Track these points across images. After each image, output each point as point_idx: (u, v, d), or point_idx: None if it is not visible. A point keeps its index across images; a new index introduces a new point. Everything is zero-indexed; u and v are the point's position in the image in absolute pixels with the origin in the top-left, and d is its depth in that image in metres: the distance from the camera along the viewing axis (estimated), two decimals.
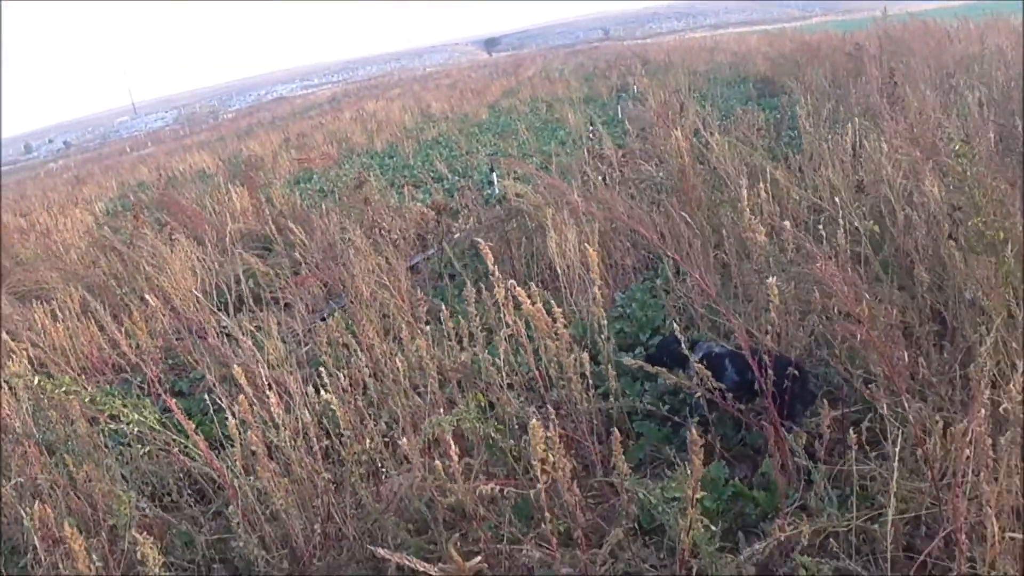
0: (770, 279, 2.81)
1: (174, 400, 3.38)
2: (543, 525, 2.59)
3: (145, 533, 3.56)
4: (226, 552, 3.40)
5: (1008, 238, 2.93)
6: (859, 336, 2.74)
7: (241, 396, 3.07)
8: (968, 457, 2.14)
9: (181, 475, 3.90)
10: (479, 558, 2.37)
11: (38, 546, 2.96)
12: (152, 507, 3.58)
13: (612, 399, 3.68)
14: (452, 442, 2.52)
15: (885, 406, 2.54)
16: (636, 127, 12.17)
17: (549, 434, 2.34)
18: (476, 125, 19.94)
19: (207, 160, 23.16)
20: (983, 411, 2.07)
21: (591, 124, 14.77)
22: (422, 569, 2.29)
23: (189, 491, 3.92)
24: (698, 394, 3.21)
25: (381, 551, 2.36)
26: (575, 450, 3.53)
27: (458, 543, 2.89)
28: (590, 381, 3.52)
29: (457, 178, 12.12)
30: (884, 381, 2.90)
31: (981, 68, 10.19)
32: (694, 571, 2.47)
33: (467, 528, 2.92)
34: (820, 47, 18.24)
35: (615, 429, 2.90)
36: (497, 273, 3.52)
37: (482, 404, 3.69)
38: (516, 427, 3.60)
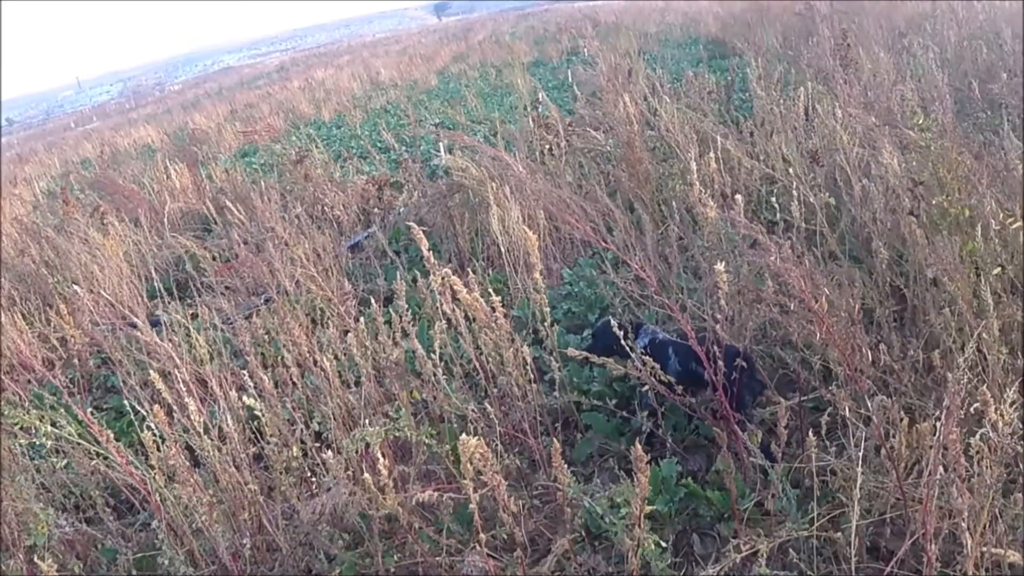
0: (719, 265, 2.64)
1: (98, 400, 3.15)
2: (480, 535, 2.43)
3: (67, 550, 3.35)
4: (154, 568, 3.18)
5: (974, 216, 2.80)
6: (818, 335, 2.59)
7: (156, 407, 2.84)
8: (937, 460, 1.98)
9: (105, 486, 3.65)
10: None
11: None
12: (73, 522, 3.34)
13: (557, 392, 3.46)
14: (381, 454, 2.34)
15: (847, 408, 2.38)
16: (585, 92, 11.96)
17: (478, 444, 2.16)
18: (425, 92, 19.57)
19: (152, 134, 22.55)
20: (955, 417, 1.90)
21: (538, 91, 14.51)
22: None
23: (115, 503, 3.69)
24: (646, 387, 3.04)
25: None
26: (519, 448, 3.35)
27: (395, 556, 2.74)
28: (532, 372, 3.32)
29: (404, 148, 11.81)
30: (845, 379, 2.76)
31: (933, 28, 10.07)
32: None
33: (404, 538, 2.75)
34: (771, 7, 18.05)
35: (557, 427, 2.73)
36: (432, 260, 3.31)
37: (416, 401, 3.50)
38: (454, 423, 3.40)
